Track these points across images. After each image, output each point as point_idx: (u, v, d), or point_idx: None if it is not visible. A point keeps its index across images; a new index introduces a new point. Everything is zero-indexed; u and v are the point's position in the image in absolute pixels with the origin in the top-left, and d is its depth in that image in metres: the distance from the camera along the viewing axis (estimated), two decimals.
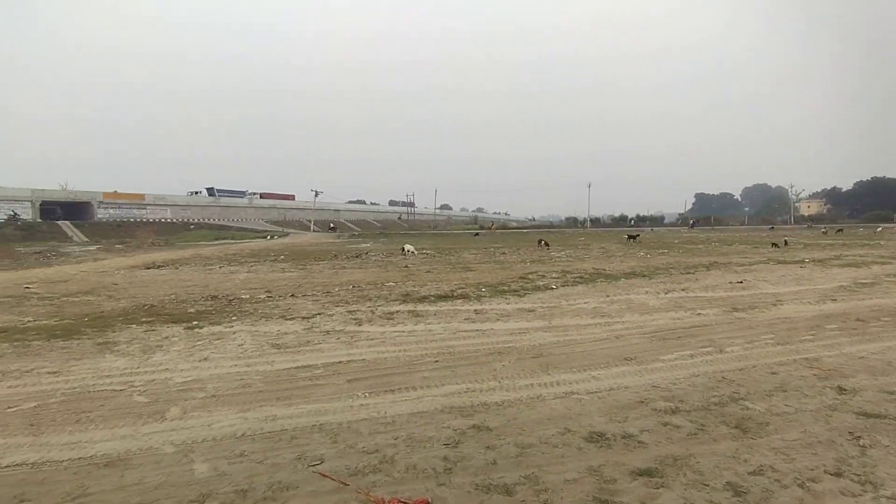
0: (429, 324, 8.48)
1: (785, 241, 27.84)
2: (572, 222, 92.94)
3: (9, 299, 11.81)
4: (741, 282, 12.81)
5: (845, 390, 5.08)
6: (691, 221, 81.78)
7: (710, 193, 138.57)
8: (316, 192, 75.90)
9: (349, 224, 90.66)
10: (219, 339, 7.55)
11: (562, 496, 3.25)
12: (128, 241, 43.90)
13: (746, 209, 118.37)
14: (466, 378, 5.65)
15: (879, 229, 45.20)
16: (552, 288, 12.24)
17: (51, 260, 25.36)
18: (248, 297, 11.55)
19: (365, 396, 5.13)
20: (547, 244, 28.58)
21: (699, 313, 9.02)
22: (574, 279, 13.81)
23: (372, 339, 7.47)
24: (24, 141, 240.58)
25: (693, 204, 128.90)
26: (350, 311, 9.55)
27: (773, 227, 63.43)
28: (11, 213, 52.92)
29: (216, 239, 48.71)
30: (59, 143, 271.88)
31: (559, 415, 4.59)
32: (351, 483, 3.44)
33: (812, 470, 3.53)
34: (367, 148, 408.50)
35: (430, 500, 3.23)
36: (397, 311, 9.50)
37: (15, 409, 4.92)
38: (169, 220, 66.76)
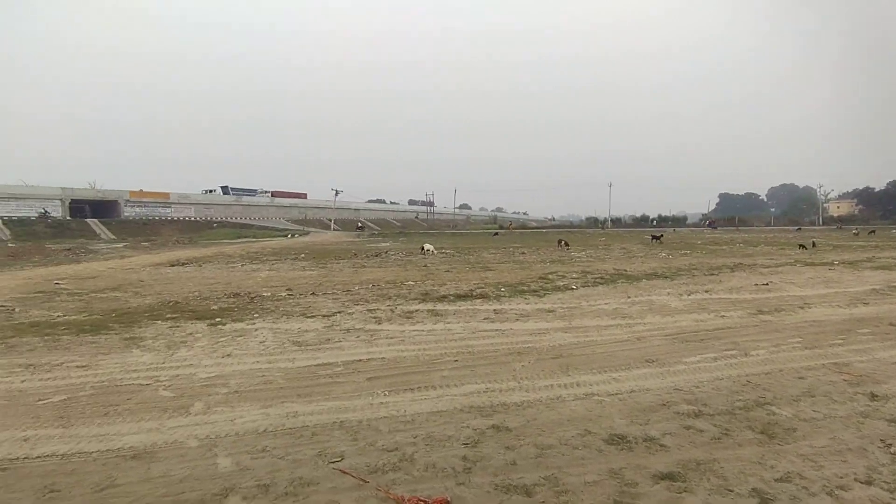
0: (448, 323, 8.49)
1: (813, 242, 26.94)
2: (593, 222, 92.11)
3: (40, 294, 12.18)
4: (767, 284, 12.50)
5: (877, 396, 4.92)
6: (707, 221, 79.95)
7: (735, 193, 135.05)
8: (336, 190, 77.10)
9: (369, 223, 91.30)
10: (241, 336, 7.68)
11: (582, 498, 3.22)
12: (153, 239, 44.99)
13: (772, 210, 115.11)
14: (486, 378, 5.63)
15: None
16: (572, 288, 12.14)
17: (80, 257, 26.10)
18: (269, 294, 11.72)
19: (385, 395, 5.16)
20: (567, 244, 28.39)
21: (723, 315, 8.83)
22: (594, 280, 13.68)
23: (391, 338, 7.50)
24: (25, 141, 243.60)
25: (717, 204, 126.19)
26: (370, 310, 9.61)
27: (800, 228, 61.77)
28: (42, 210, 54.57)
29: (238, 237, 49.59)
30: (59, 143, 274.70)
31: (579, 416, 4.55)
32: (371, 480, 3.46)
33: (841, 478, 3.43)
34: (367, 148, 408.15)
35: (449, 499, 3.23)
36: (417, 310, 9.52)
37: (45, 401, 5.07)
38: (192, 219, 68.12)
